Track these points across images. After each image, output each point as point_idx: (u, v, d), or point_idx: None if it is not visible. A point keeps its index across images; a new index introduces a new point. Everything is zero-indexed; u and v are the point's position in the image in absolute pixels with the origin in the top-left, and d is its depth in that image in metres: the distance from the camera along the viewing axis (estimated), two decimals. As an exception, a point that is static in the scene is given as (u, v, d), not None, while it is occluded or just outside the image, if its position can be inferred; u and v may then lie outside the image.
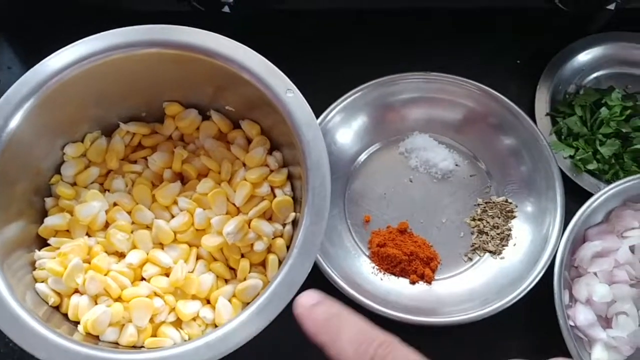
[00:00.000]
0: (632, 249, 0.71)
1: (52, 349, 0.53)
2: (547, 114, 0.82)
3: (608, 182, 0.76)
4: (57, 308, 0.62)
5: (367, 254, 0.76)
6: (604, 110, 0.80)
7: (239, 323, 0.54)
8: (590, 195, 0.73)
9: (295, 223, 0.65)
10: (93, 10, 0.82)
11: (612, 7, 0.75)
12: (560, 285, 0.67)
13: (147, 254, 0.64)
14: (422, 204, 0.79)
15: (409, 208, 0.78)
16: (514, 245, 0.75)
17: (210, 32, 0.64)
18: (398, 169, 0.81)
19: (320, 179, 0.59)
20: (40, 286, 0.61)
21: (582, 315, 0.69)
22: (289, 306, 0.55)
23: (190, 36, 0.63)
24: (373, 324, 0.43)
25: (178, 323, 0.63)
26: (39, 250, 0.63)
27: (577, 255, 0.72)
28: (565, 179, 0.77)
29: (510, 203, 0.78)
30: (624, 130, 0.78)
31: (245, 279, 0.64)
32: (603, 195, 0.72)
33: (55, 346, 0.53)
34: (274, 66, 0.63)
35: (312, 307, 0.46)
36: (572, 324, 0.68)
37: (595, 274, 0.70)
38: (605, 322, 0.70)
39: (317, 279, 0.69)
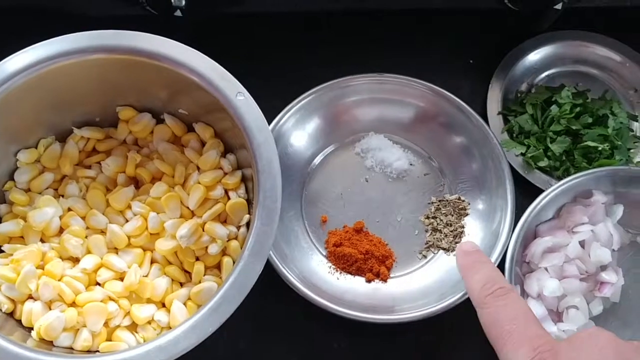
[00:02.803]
0: (582, 244, 0.72)
1: (3, 355, 0.53)
2: (499, 113, 0.83)
3: (559, 179, 0.77)
4: (11, 314, 0.62)
5: (324, 253, 0.76)
6: (554, 108, 0.81)
7: (190, 326, 0.54)
8: (541, 192, 0.74)
9: (249, 225, 0.66)
10: (45, 16, 0.81)
11: (559, 6, 0.77)
12: (511, 280, 0.68)
13: (102, 259, 0.64)
14: (377, 203, 0.79)
15: (365, 207, 0.79)
16: (467, 242, 0.76)
17: (162, 36, 0.64)
18: (354, 169, 0.81)
19: (271, 182, 0.60)
20: (-7, 293, 0.61)
21: (533, 310, 0.70)
22: (240, 309, 0.55)
23: (140, 41, 0.63)
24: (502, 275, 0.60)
25: (133, 327, 0.63)
26: (-8, 257, 0.63)
27: (528, 250, 0.73)
28: (517, 176, 0.78)
29: (463, 201, 0.79)
30: (574, 128, 0.79)
31: (200, 282, 0.65)
32: (553, 191, 0.73)
33: (7, 352, 0.54)
34: (224, 70, 0.63)
35: (469, 252, 0.63)
36: (524, 318, 0.69)
37: (546, 269, 0.71)
38: (557, 316, 0.72)
39: (273, 281, 0.70)
